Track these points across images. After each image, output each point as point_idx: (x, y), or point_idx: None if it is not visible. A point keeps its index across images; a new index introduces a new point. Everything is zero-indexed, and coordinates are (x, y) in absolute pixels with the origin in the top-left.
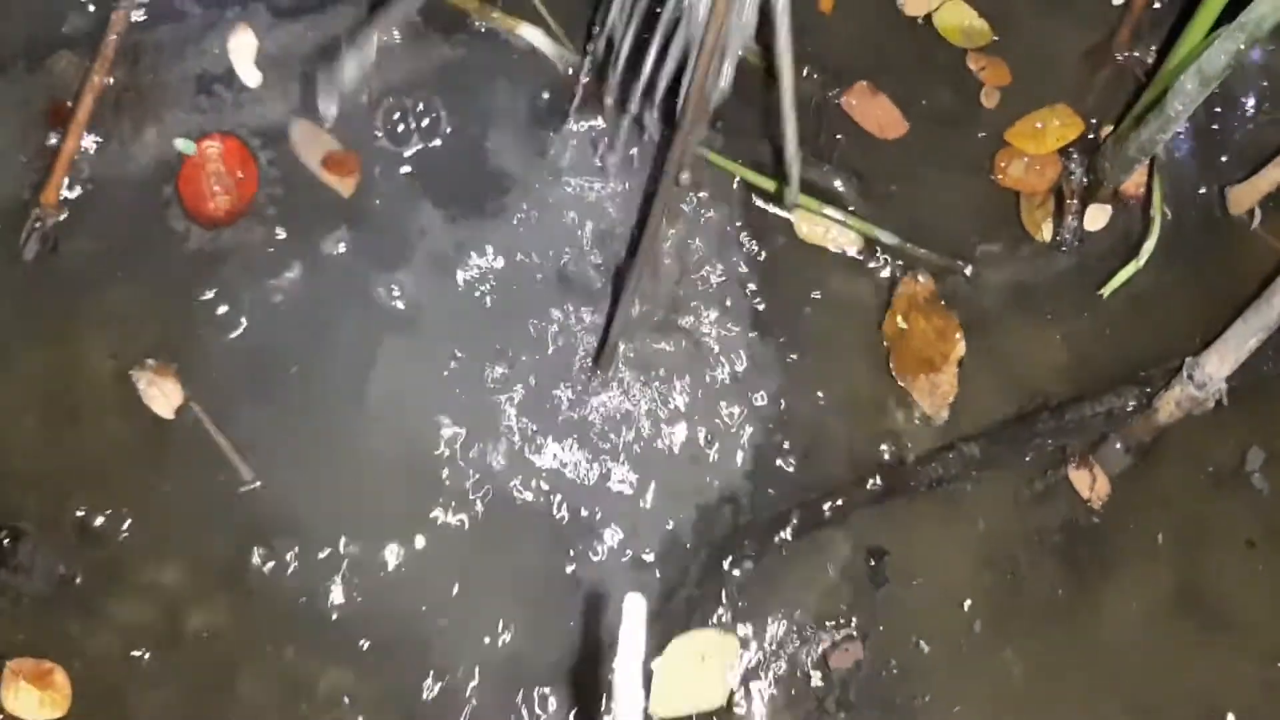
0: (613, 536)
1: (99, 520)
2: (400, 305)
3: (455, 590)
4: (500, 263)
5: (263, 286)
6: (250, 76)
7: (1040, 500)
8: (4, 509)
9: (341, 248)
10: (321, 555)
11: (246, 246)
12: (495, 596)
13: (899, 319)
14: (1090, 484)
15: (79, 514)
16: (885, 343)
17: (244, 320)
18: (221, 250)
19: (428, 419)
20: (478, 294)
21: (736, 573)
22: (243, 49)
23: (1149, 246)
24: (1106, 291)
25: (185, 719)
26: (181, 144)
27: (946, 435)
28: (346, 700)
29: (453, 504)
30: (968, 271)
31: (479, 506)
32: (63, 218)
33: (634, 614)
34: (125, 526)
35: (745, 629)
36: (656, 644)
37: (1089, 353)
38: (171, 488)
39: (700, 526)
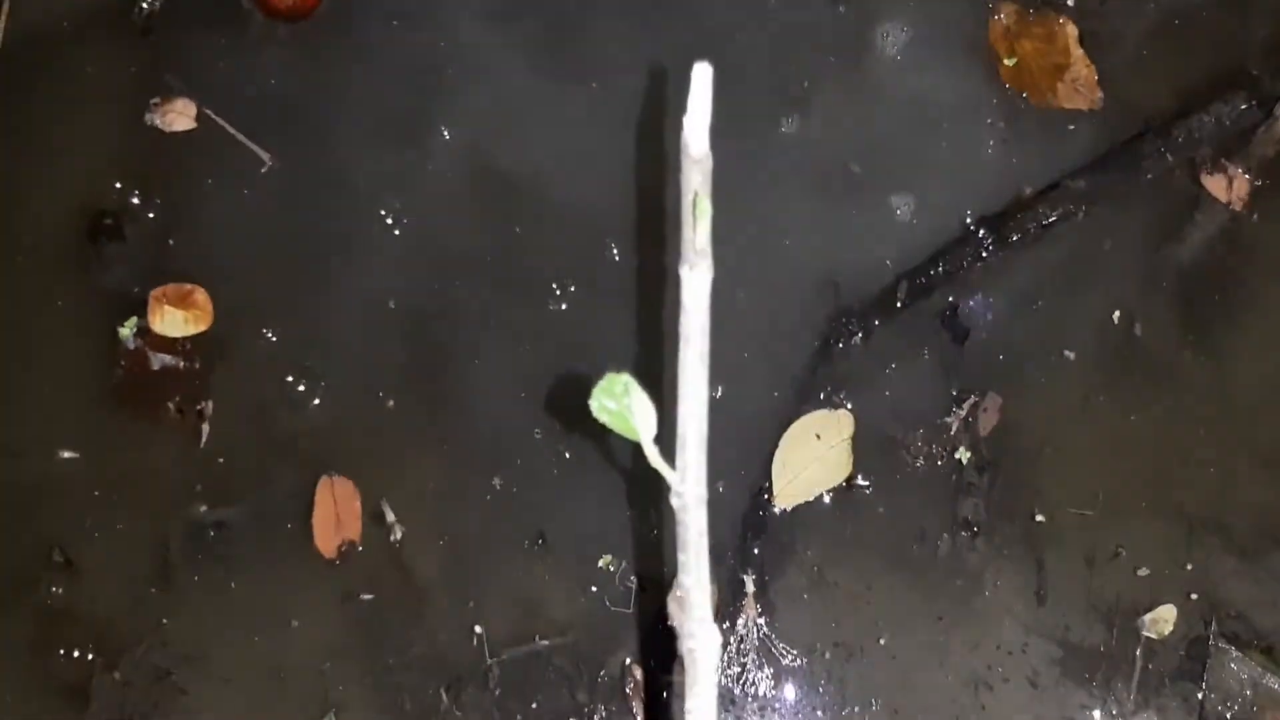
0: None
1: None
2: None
3: None
4: None
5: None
6: None
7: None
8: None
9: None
10: None
11: (295, 44)
12: None
13: (1006, 60)
14: (1227, 187)
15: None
16: (1011, 86)
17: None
18: (274, 40)
19: None
20: None
21: (845, 352)
22: None
23: None
24: None
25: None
26: None
27: (1115, 122)
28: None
29: None
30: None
31: None
32: None
33: (701, 80)
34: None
35: (862, 407)
36: (772, 440)
37: (1194, 62)
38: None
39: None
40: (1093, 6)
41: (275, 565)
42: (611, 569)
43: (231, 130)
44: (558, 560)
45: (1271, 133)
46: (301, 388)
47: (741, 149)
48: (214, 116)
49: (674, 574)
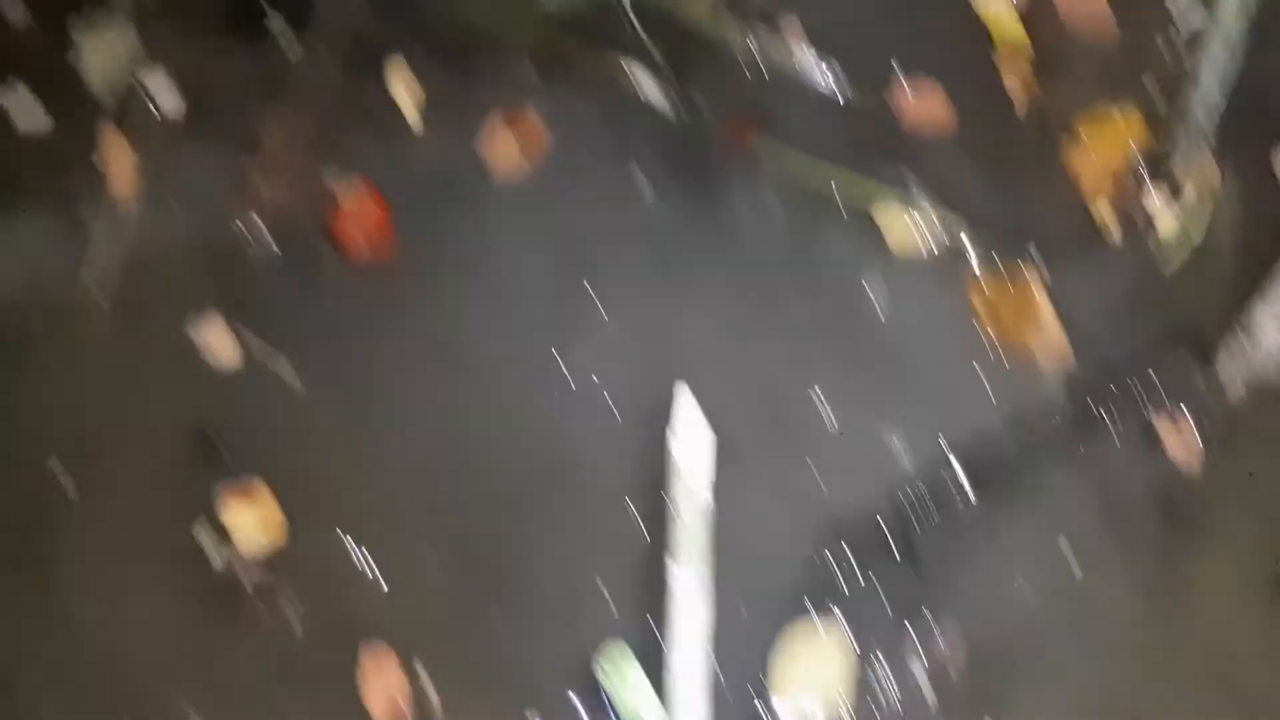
0: None
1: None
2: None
3: None
4: None
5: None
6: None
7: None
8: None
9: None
10: None
11: (356, 292)
12: None
13: (987, 326)
14: (1179, 438)
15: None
16: (989, 346)
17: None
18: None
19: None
20: None
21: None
22: (405, 95)
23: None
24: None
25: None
26: (335, 181)
27: (1083, 375)
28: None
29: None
30: (1043, 269)
31: None
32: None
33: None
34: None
35: (853, 636)
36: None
37: (1155, 322)
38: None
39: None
40: (1059, 266)
41: None
42: None
43: (259, 355)
44: None
45: (1221, 392)
46: (365, 570)
47: (758, 417)
48: (249, 338)
49: None
